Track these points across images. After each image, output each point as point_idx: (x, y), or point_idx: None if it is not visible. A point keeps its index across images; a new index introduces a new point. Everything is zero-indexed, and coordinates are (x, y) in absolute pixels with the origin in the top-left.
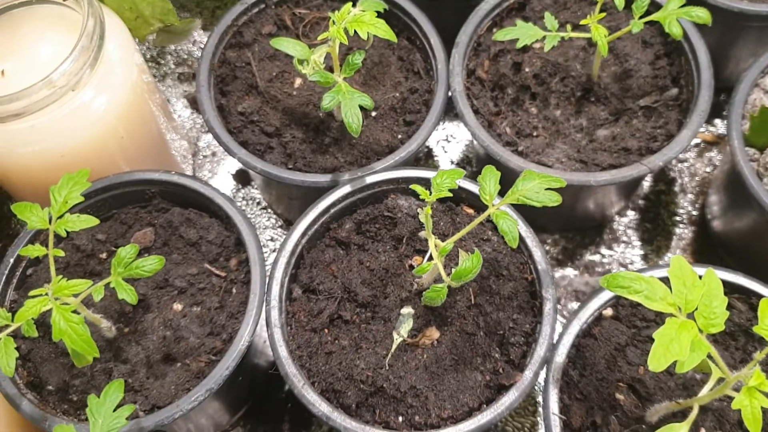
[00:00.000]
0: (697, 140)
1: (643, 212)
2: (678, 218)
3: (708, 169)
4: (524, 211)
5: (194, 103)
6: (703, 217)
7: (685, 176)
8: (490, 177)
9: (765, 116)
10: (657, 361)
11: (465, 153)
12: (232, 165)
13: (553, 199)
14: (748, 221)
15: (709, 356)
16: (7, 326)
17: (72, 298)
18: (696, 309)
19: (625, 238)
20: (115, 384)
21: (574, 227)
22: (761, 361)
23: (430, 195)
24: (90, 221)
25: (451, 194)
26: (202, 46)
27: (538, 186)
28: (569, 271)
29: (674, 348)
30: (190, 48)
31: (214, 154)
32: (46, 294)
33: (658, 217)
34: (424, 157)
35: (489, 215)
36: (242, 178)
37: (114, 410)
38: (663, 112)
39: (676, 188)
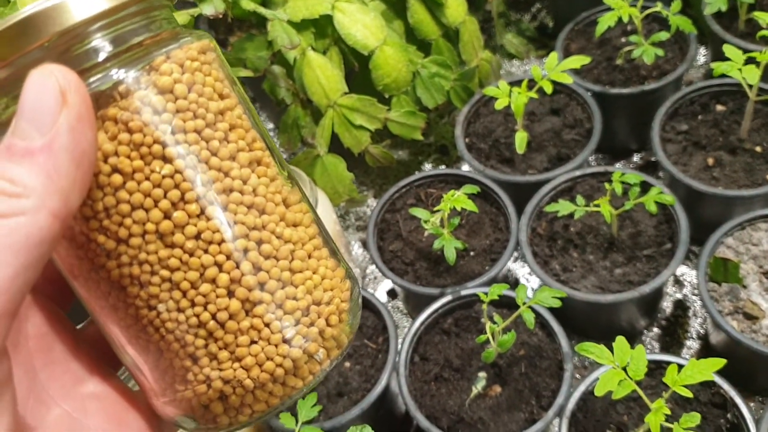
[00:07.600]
0: None
1: (664, 329)
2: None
3: None
4: (569, 320)
5: (364, 245)
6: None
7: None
8: (522, 289)
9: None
10: None
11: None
12: (386, 285)
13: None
14: None
15: None
16: None
17: None
18: None
19: (649, 347)
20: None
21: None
22: None
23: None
24: None
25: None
26: (371, 209)
27: (548, 295)
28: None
29: None
30: (364, 209)
31: (375, 278)
32: None
33: (675, 333)
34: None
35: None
36: (392, 293)
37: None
38: (657, 258)
39: (690, 313)
